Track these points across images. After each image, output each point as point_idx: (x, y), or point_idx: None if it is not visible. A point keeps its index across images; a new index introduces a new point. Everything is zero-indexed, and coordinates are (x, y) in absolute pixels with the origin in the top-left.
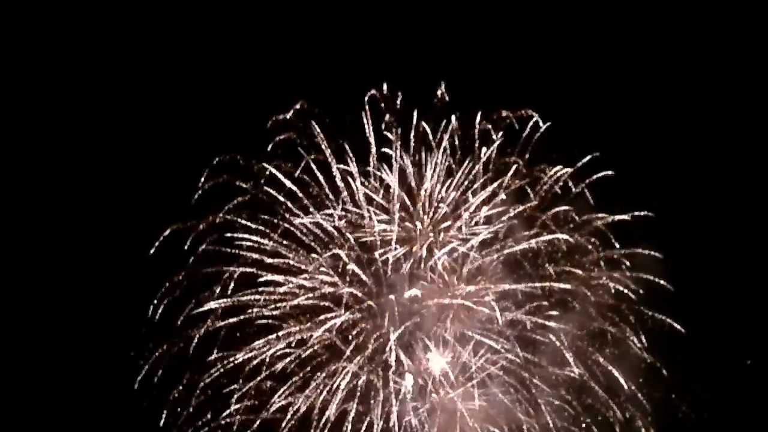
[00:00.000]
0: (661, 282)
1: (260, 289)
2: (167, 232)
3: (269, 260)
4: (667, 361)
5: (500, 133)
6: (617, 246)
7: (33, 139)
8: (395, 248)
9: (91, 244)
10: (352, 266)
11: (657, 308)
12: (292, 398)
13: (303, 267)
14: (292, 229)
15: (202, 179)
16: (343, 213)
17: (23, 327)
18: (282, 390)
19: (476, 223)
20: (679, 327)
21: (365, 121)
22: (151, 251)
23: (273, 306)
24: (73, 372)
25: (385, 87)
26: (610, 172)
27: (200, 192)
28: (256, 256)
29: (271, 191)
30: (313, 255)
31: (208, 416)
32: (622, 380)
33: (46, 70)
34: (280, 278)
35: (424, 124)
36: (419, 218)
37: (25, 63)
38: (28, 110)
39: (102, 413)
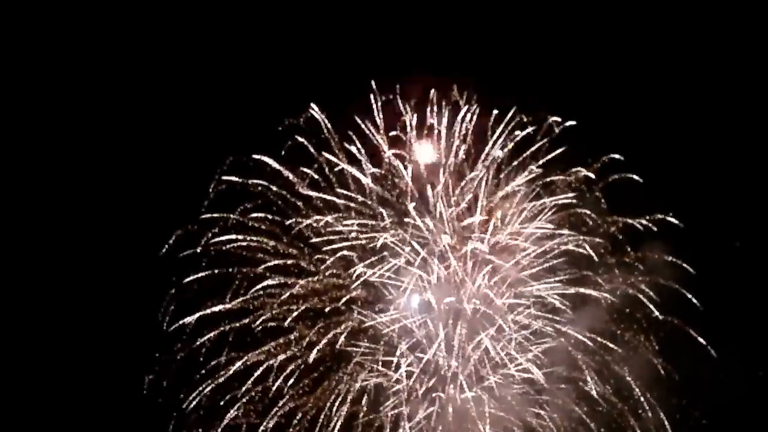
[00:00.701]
0: (676, 287)
1: (271, 291)
2: (178, 233)
3: (280, 262)
4: (679, 367)
5: (514, 135)
6: (629, 249)
7: (45, 140)
8: (407, 249)
9: (102, 246)
10: (363, 269)
11: (671, 314)
12: (301, 401)
13: (314, 269)
14: (303, 231)
15: (214, 182)
16: (355, 216)
17: (32, 329)
18: (291, 392)
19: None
20: (693, 333)
21: (378, 122)
22: (162, 252)
23: (285, 308)
24: (83, 374)
25: (398, 88)
26: (630, 176)
27: (212, 194)
28: (267, 258)
29: (283, 193)
30: (325, 257)
31: (217, 419)
32: (633, 385)
33: (58, 69)
34: (290, 281)
35: (434, 122)
36: (433, 220)
37: (43, 60)
38: (40, 110)
39: (111, 416)
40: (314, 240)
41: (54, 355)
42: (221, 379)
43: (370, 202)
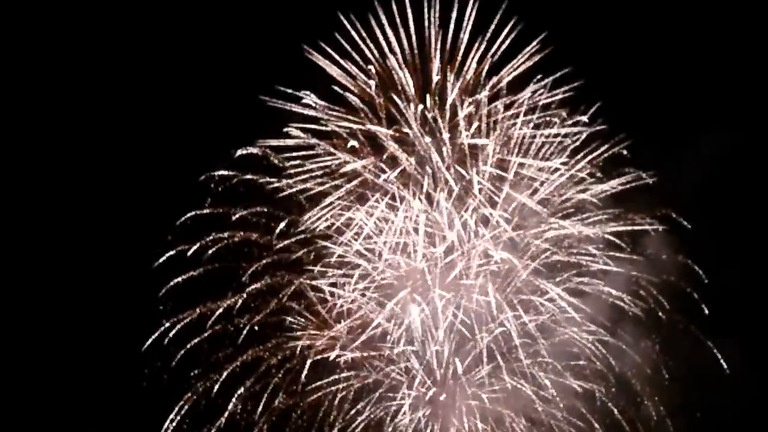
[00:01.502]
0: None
1: (269, 287)
2: (178, 228)
3: (280, 257)
4: (683, 366)
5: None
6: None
7: (47, 137)
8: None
9: (103, 240)
10: (362, 262)
11: (676, 311)
12: (298, 399)
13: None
14: (303, 227)
15: (216, 175)
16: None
17: (31, 323)
18: (288, 390)
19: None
20: (697, 332)
21: (379, 110)
22: (162, 248)
23: (284, 304)
24: (82, 370)
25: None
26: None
27: (213, 189)
28: (268, 253)
29: (280, 186)
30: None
31: (216, 415)
32: (637, 385)
33: (59, 68)
34: (291, 277)
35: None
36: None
37: (49, 55)
38: (42, 107)
39: (110, 412)
40: (312, 235)
41: (51, 352)
42: (220, 376)
43: (371, 194)
